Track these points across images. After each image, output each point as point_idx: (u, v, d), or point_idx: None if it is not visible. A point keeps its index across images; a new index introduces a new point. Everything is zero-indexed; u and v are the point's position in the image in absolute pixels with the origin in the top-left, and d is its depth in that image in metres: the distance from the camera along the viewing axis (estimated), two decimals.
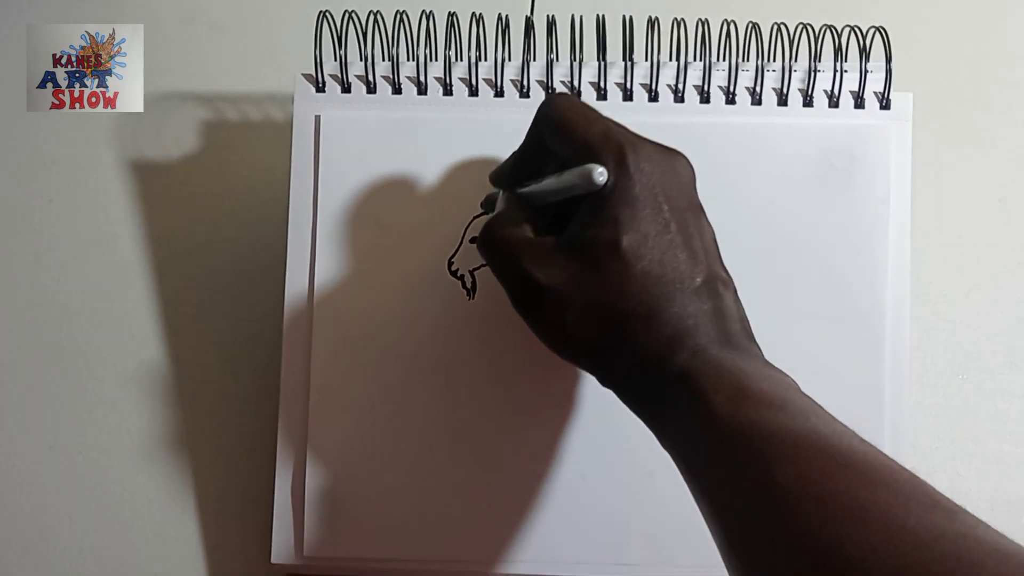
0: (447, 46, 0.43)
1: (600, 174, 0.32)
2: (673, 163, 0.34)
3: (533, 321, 0.34)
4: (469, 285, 0.43)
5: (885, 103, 0.43)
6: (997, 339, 0.48)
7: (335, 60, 0.43)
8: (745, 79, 0.43)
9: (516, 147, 0.43)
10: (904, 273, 0.43)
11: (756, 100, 0.43)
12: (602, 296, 0.32)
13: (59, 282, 0.50)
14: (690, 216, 0.33)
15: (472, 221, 0.43)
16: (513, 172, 0.38)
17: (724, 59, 0.43)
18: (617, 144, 0.33)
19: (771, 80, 0.43)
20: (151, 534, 0.46)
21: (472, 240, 0.43)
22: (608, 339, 0.32)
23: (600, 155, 0.33)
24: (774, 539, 0.26)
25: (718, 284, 0.33)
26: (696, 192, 0.35)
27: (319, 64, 0.43)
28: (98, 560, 0.46)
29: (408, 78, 0.43)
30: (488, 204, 0.42)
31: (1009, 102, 0.52)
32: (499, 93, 0.43)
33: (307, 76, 0.44)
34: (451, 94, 0.43)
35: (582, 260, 0.32)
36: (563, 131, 0.34)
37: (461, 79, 0.43)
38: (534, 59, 0.43)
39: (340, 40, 0.42)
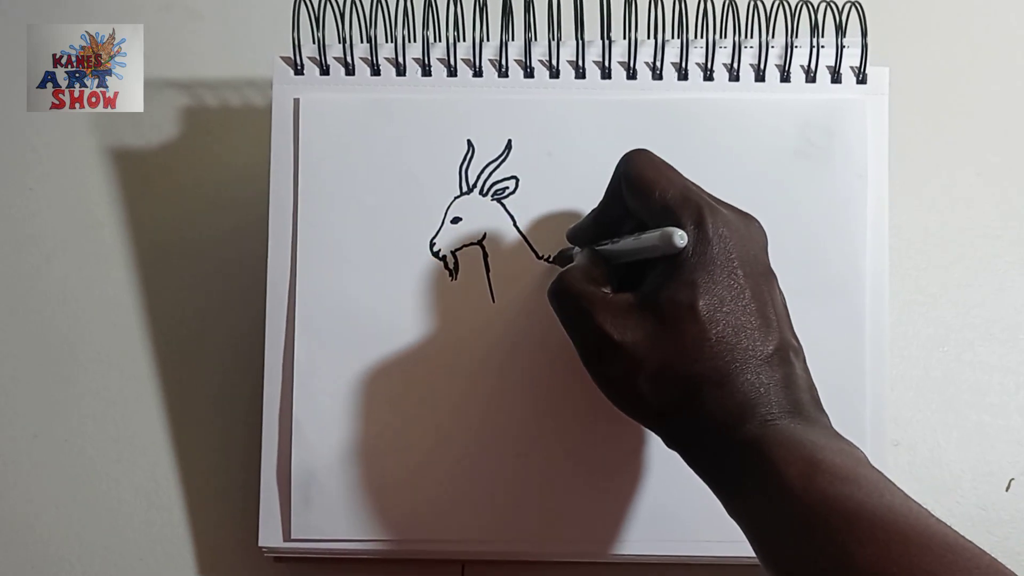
0: (425, 26, 0.43)
1: (681, 237, 0.32)
2: (748, 228, 0.34)
3: (603, 379, 0.34)
4: (451, 266, 0.43)
5: (861, 78, 0.43)
6: (976, 311, 0.49)
7: (313, 43, 0.43)
8: (723, 56, 0.43)
9: (495, 127, 0.43)
10: (883, 246, 0.43)
11: (734, 76, 0.43)
12: (676, 358, 0.32)
13: (40, 270, 0.50)
14: (763, 282, 0.33)
15: (453, 201, 0.43)
16: (592, 229, 0.38)
17: (702, 36, 0.43)
18: (696, 207, 0.33)
19: (748, 56, 0.43)
20: (138, 521, 0.46)
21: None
22: (679, 402, 0.32)
23: (680, 217, 0.33)
24: None
25: (789, 352, 0.33)
26: (768, 257, 0.35)
27: (297, 46, 0.43)
28: (85, 547, 0.46)
29: (387, 59, 0.43)
30: (560, 259, 0.42)
31: (985, 74, 0.52)
32: (478, 73, 0.43)
33: (285, 59, 0.43)
34: (430, 75, 0.43)
35: (659, 320, 0.32)
36: (642, 190, 0.34)
37: (440, 60, 0.43)
38: (512, 39, 0.43)
39: (318, 22, 0.42)
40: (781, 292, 0.35)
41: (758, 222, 0.35)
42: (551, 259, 0.43)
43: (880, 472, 0.30)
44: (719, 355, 0.31)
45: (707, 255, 0.32)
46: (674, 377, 0.32)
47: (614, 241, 0.36)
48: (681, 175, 0.35)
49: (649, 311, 0.33)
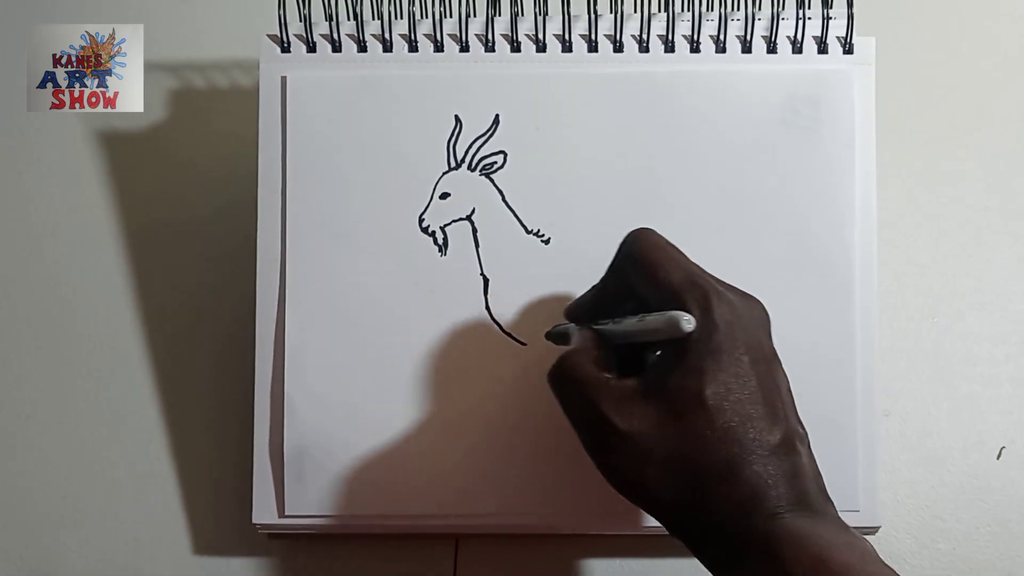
0: (411, 2, 0.43)
1: (688, 322, 0.31)
2: (752, 311, 0.33)
3: (608, 468, 0.33)
4: (440, 241, 0.43)
5: (848, 48, 0.43)
6: (966, 282, 0.49)
7: (300, 20, 0.43)
8: (709, 28, 0.43)
9: (482, 102, 0.43)
10: (871, 217, 0.43)
11: (720, 48, 0.43)
12: (683, 449, 0.31)
13: (32, 253, 0.50)
14: (768, 368, 0.33)
15: (441, 177, 0.43)
16: (591, 307, 0.37)
17: (688, 9, 0.43)
18: (702, 291, 0.32)
19: (735, 28, 0.43)
20: (131, 500, 0.47)
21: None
22: (685, 495, 0.31)
23: (685, 301, 0.32)
24: None
25: (795, 440, 0.32)
26: (771, 339, 0.34)
27: (283, 24, 0.43)
28: (79, 528, 0.46)
29: (373, 35, 0.43)
30: (555, 336, 0.40)
31: (973, 44, 0.52)
32: (464, 48, 0.43)
33: (272, 37, 0.44)
34: (416, 50, 0.43)
35: (665, 409, 0.32)
36: (647, 271, 0.34)
37: (426, 35, 0.43)
38: (499, 13, 0.43)
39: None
40: (785, 375, 0.34)
41: (760, 304, 0.34)
42: (547, 336, 0.41)
43: (888, 568, 0.30)
44: (726, 446, 0.31)
45: (713, 341, 0.31)
46: (681, 469, 0.31)
47: (616, 321, 0.35)
48: (686, 257, 0.34)
49: (655, 399, 0.32)
